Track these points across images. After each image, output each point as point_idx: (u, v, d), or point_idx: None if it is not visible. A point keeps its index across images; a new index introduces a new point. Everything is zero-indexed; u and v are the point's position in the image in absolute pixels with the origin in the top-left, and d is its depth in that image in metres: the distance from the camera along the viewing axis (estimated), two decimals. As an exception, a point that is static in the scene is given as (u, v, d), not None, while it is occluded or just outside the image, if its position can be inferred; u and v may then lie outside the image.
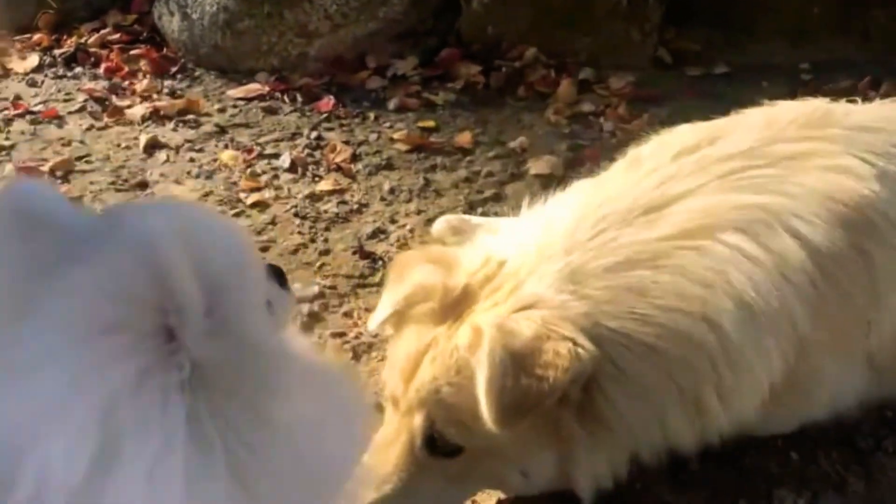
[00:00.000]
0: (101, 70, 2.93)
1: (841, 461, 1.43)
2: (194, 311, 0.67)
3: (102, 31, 3.14)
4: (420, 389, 1.23)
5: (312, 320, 1.78)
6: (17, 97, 2.72)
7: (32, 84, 2.85)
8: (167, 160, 2.40)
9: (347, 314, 1.81)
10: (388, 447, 1.25)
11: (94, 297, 0.66)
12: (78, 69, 2.93)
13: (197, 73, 2.94)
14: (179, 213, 0.79)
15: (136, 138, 2.51)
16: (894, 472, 1.41)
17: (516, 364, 1.13)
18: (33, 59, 2.98)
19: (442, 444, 1.23)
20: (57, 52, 3.03)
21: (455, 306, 1.25)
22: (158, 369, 0.67)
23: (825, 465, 1.42)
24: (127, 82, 2.86)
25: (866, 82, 2.70)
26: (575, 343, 1.15)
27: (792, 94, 2.63)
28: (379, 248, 2.02)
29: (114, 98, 2.74)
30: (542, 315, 1.18)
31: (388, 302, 1.32)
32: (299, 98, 2.73)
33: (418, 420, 1.23)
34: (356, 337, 1.74)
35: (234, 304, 0.72)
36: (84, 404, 0.64)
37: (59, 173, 2.32)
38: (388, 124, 2.60)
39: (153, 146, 2.46)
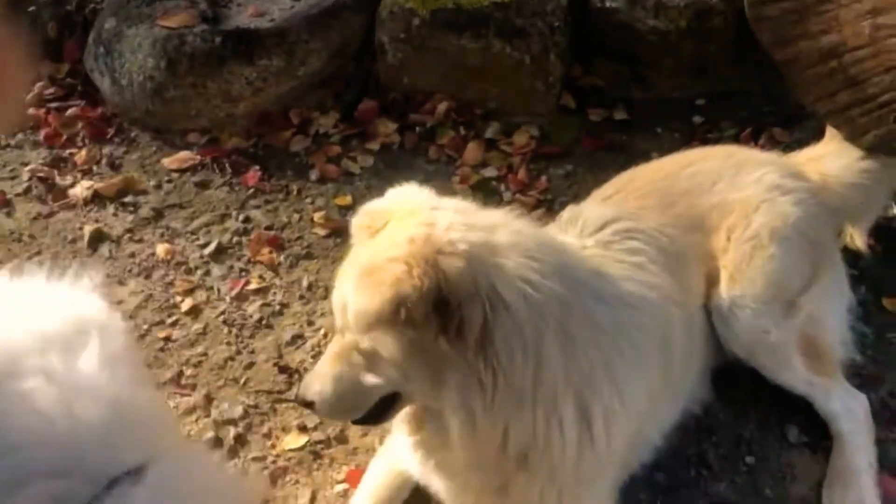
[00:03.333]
0: (41, 137, 3.12)
1: None
2: None
3: (37, 85, 3.28)
4: (336, 299, 1.49)
5: (237, 444, 2.15)
6: (-37, 176, 2.94)
7: (-25, 153, 3.05)
8: (110, 256, 2.68)
9: (266, 435, 2.18)
10: (333, 342, 1.56)
11: None
12: (19, 136, 3.12)
13: (133, 135, 3.15)
14: None
15: (80, 228, 2.77)
16: None
17: (366, 278, 1.37)
18: (-24, 126, 3.15)
19: (348, 341, 1.49)
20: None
21: (376, 234, 1.48)
22: None
23: None
24: (67, 151, 3.07)
25: (747, 134, 2.93)
26: (409, 271, 1.31)
27: (685, 142, 2.94)
28: (296, 357, 2.36)
29: (56, 176, 2.96)
30: (414, 246, 1.34)
31: (352, 227, 1.57)
32: (228, 168, 2.96)
33: (336, 321, 1.52)
34: (273, 461, 2.11)
35: None
36: None
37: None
38: (309, 199, 2.85)
39: (98, 238, 2.73)
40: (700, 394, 2.09)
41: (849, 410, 2.01)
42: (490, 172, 2.90)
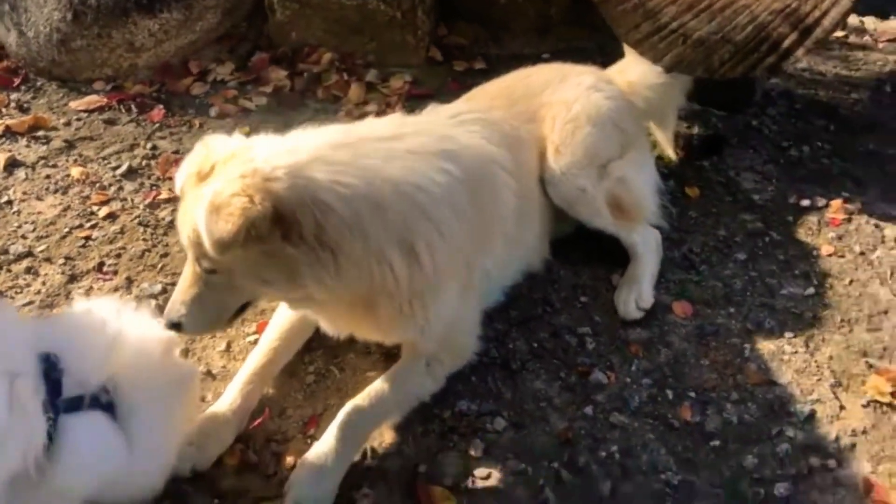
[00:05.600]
0: (-51, 85, 3.34)
1: (501, 378, 2.33)
2: None
3: (-58, 42, 3.49)
4: (185, 237, 1.82)
5: (159, 312, 2.47)
6: None
7: None
8: (26, 178, 2.95)
9: (184, 305, 2.51)
10: (186, 271, 1.89)
11: None
12: (-73, 84, 3.33)
13: (39, 84, 3.41)
14: None
15: (-5, 157, 3.02)
16: (532, 384, 2.32)
17: (216, 212, 1.66)
18: None
19: (205, 268, 1.82)
20: None
21: (205, 178, 1.78)
22: None
23: (490, 382, 2.32)
24: (-25, 97, 3.30)
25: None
26: (251, 199, 1.66)
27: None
28: (206, 247, 2.71)
29: (-33, 115, 3.19)
30: (246, 179, 1.68)
31: (176, 180, 1.91)
32: (134, 108, 3.29)
33: (189, 254, 1.84)
34: (192, 322, 2.45)
35: None
36: None
37: (-68, 195, 2.82)
38: (210, 131, 3.20)
39: (12, 164, 2.99)
40: (542, 254, 2.62)
41: (644, 240, 2.62)
42: (371, 108, 3.36)
